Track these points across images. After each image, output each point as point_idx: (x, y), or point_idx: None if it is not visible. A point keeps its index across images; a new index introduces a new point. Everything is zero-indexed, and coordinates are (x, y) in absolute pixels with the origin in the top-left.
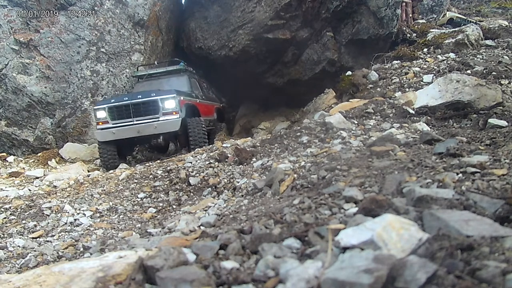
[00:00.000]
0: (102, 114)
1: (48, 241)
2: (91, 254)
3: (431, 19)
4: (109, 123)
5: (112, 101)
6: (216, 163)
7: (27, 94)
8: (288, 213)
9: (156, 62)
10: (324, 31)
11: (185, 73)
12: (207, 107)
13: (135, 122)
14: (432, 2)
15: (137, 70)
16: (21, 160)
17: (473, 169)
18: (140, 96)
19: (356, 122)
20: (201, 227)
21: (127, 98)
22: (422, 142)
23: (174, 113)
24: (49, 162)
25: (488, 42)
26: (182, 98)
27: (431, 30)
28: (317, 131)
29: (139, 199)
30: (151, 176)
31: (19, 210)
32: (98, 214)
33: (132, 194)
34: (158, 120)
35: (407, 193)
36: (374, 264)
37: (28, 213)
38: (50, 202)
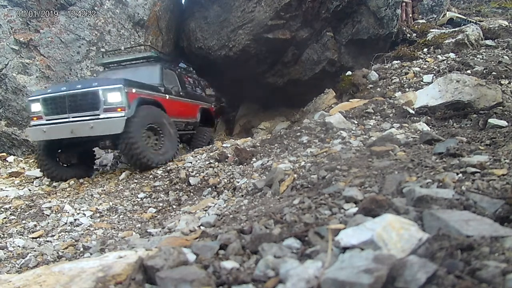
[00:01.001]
0: (37, 108)
1: (48, 241)
2: (91, 254)
3: (431, 19)
4: (43, 118)
5: (48, 91)
6: (216, 163)
7: (27, 94)
8: (288, 213)
9: (123, 48)
10: (324, 31)
11: (157, 62)
12: (184, 106)
13: (70, 119)
14: (432, 2)
15: (102, 57)
16: (21, 160)
17: (473, 169)
18: (79, 86)
19: (356, 122)
20: (201, 227)
21: (64, 88)
22: (422, 142)
23: (118, 109)
24: None
25: (488, 42)
26: (134, 90)
27: (431, 30)
28: (317, 131)
29: (139, 199)
30: (151, 176)
31: (19, 210)
32: (98, 214)
33: (132, 194)
34: (98, 118)
35: (407, 193)
36: (374, 264)
37: (28, 213)
38: (50, 202)
